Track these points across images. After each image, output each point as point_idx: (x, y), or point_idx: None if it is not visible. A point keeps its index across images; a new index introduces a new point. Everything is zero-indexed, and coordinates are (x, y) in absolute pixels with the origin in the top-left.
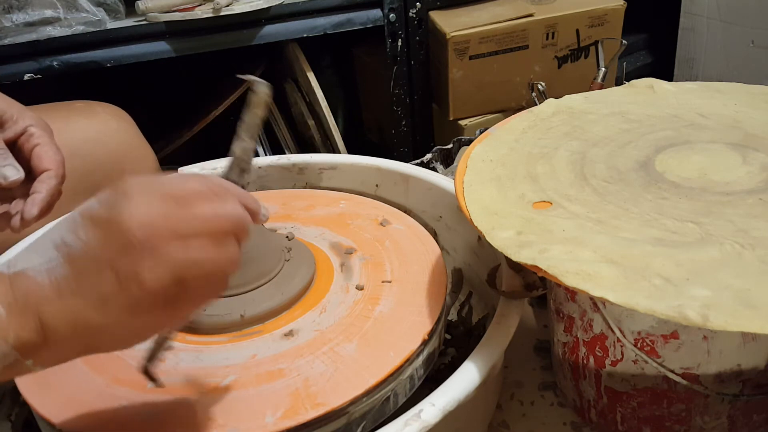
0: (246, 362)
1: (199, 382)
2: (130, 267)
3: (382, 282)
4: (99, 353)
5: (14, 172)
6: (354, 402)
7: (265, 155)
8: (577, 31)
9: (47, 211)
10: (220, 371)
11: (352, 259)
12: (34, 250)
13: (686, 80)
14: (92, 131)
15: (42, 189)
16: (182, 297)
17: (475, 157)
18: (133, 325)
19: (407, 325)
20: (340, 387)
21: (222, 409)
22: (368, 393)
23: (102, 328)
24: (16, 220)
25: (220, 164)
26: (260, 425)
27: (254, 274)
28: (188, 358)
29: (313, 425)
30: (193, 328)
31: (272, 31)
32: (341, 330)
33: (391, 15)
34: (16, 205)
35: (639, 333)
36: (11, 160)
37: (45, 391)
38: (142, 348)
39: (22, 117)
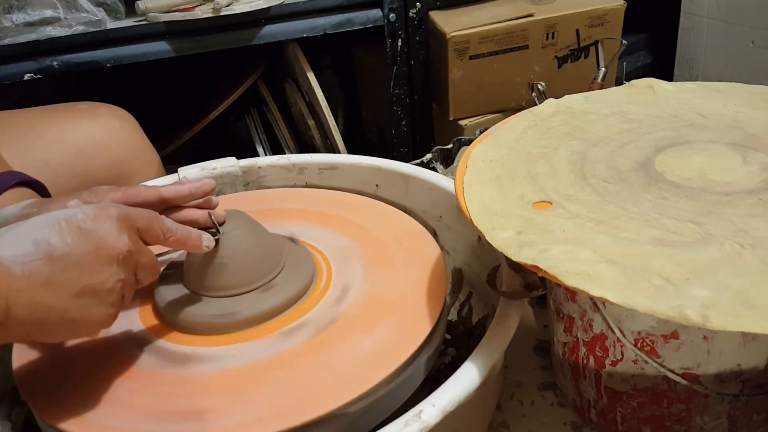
0: (344, 314)
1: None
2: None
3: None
4: (36, 341)
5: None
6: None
7: (265, 155)
8: (577, 31)
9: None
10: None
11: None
12: (7, 242)
13: (686, 80)
14: (96, 133)
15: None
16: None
17: (475, 157)
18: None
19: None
20: (426, 309)
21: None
22: (442, 310)
23: (58, 316)
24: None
25: (220, 164)
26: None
27: (271, 265)
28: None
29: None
30: (251, 319)
31: (272, 31)
32: (385, 273)
33: (391, 15)
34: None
35: (639, 333)
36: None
37: (45, 391)
38: (137, 348)
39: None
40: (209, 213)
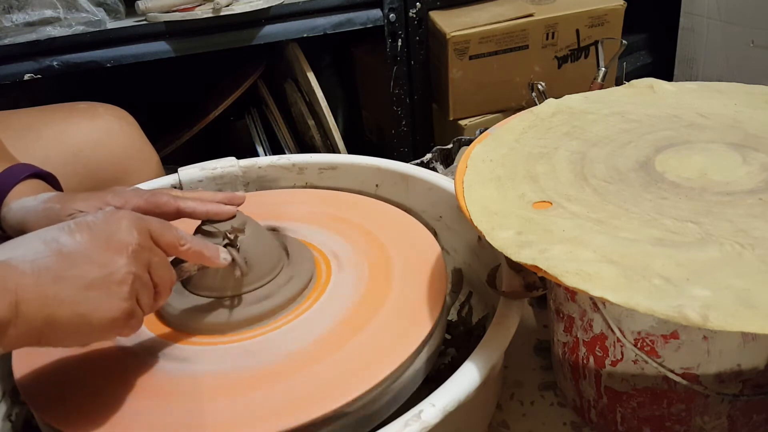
0: (343, 313)
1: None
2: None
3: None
4: (47, 346)
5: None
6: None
7: (265, 155)
8: (577, 31)
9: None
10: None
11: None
12: (17, 245)
13: (686, 80)
14: (95, 133)
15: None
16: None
17: (475, 157)
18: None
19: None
20: (426, 309)
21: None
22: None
23: (68, 311)
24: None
25: (220, 164)
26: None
27: (271, 265)
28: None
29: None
30: (250, 320)
31: (272, 31)
32: (385, 273)
33: (391, 15)
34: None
35: (639, 333)
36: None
37: (45, 392)
38: (137, 347)
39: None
40: (231, 226)
